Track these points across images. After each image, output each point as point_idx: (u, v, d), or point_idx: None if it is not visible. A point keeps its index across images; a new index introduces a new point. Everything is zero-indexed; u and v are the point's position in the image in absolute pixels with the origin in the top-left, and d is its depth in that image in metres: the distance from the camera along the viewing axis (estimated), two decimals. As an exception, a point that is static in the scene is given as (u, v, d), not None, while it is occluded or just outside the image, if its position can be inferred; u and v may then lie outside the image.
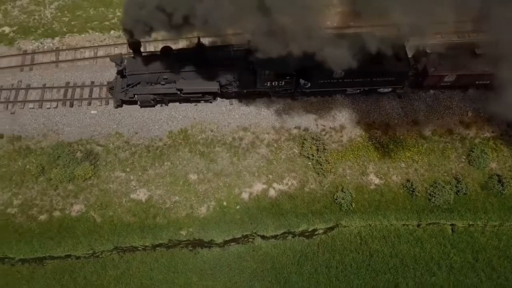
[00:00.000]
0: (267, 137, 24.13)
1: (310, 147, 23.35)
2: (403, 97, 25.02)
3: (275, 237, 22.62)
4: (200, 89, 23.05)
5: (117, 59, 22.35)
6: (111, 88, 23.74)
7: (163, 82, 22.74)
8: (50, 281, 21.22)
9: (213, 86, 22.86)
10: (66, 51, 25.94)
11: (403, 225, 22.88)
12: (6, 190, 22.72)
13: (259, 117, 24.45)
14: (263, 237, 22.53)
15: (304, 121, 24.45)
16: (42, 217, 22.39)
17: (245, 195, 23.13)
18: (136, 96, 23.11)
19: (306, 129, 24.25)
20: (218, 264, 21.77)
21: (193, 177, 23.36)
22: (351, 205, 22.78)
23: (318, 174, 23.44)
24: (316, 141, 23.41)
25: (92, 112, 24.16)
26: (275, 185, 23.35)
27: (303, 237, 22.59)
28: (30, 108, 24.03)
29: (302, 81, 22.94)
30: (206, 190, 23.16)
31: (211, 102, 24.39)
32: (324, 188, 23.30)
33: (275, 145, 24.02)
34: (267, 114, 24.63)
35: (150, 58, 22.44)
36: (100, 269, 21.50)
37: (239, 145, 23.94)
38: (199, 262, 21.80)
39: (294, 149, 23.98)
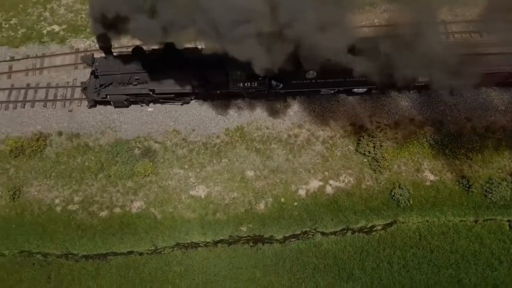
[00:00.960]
0: (322, 134, 24.30)
1: (367, 144, 23.48)
2: (455, 94, 25.18)
3: (334, 233, 22.74)
4: (172, 90, 22.95)
5: (88, 59, 22.20)
6: (84, 88, 23.54)
7: (135, 83, 22.50)
8: (115, 277, 21.33)
9: (185, 87, 22.76)
10: (119, 49, 26.12)
11: (461, 221, 22.97)
12: (66, 187, 22.89)
13: (313, 114, 24.61)
14: (322, 233, 22.64)
15: (359, 118, 24.61)
16: (103, 213, 22.54)
17: (302, 192, 23.27)
18: (108, 96, 22.95)
19: (361, 126, 24.41)
20: (281, 260, 21.88)
21: (250, 173, 23.51)
22: (409, 201, 22.89)
23: (375, 171, 23.57)
24: (372, 138, 23.56)
25: (149, 109, 24.34)
26: (331, 182, 23.49)
27: (362, 233, 22.69)
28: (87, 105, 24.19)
29: (274, 82, 22.77)
30: (263, 186, 23.30)
31: (188, 103, 24.28)
32: (381, 185, 23.43)
33: (330, 142, 24.18)
34: (321, 111, 24.79)
35: (122, 58, 22.19)
36: (164, 265, 21.61)
37: (294, 142, 24.10)
38: (262, 258, 21.91)
39: (349, 146, 24.14)
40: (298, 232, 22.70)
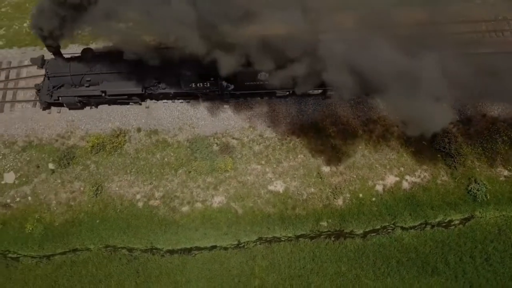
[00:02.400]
0: (396, 130, 24.51)
1: (442, 140, 23.70)
2: (526, 90, 25.35)
3: (413, 227, 22.90)
4: (124, 91, 22.89)
5: (37, 61, 22.18)
6: (38, 90, 23.48)
7: (86, 84, 22.48)
8: (201, 271, 21.54)
9: (137, 88, 22.72)
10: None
11: (538, 215, 23.15)
12: (146, 183, 23.14)
13: (387, 110, 24.84)
14: (402, 228, 22.82)
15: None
16: (184, 208, 22.77)
17: (379, 187, 23.47)
18: (60, 98, 22.93)
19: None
20: (363, 254, 22.07)
21: (326, 169, 23.73)
22: (486, 196, 23.08)
23: (450, 166, 23.76)
24: (447, 133, 23.78)
25: (225, 106, 24.60)
26: (407, 177, 23.69)
27: (441, 228, 22.86)
28: (164, 102, 24.46)
29: (224, 83, 22.83)
30: (339, 182, 23.50)
31: (140, 104, 24.25)
32: (456, 180, 23.62)
33: (404, 137, 24.37)
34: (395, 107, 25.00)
35: (72, 59, 22.21)
36: (249, 259, 21.81)
37: (370, 138, 24.33)
38: (345, 252, 22.10)
39: (423, 142, 24.33)
40: (378, 227, 22.86)
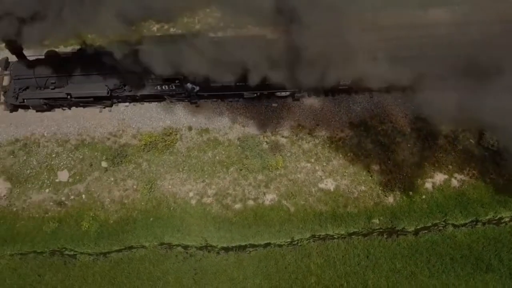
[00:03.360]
0: (444, 129, 24.64)
1: (491, 138, 23.86)
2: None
3: (464, 225, 23.03)
4: (89, 94, 22.79)
5: (1, 63, 22.15)
6: (5, 92, 23.55)
7: (51, 87, 22.35)
8: (256, 268, 21.66)
9: (101, 90, 22.57)
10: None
11: None
12: (199, 181, 23.30)
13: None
14: (453, 225, 22.95)
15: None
16: (237, 206, 22.93)
17: (428, 185, 23.61)
18: (25, 100, 22.87)
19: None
20: (417, 251, 22.18)
21: (375, 167, 23.88)
22: (536, 193, 23.23)
23: (498, 164, 23.91)
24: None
25: (273, 105, 24.78)
26: (456, 175, 23.83)
27: (492, 225, 22.98)
28: (213, 101, 24.64)
29: (189, 85, 22.81)
30: (389, 180, 23.64)
31: (107, 106, 24.25)
32: (505, 177, 23.75)
33: (452, 136, 24.53)
34: (441, 105, 25.15)
35: (37, 62, 22.12)
36: (303, 256, 21.94)
37: (418, 136, 24.48)
38: (398, 249, 22.21)
39: (470, 140, 24.49)
40: (429, 224, 22.98)
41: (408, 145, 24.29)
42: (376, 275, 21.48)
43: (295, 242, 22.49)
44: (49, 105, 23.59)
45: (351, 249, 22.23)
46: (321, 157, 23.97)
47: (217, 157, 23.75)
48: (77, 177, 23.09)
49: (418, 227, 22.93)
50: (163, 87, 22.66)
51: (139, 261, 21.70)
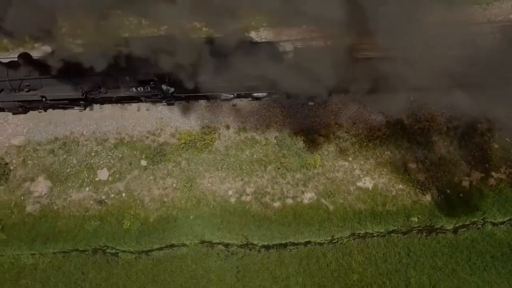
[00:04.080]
0: (480, 127, 24.72)
1: (528, 136, 23.94)
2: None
3: (503, 223, 23.10)
4: (63, 96, 22.49)
5: None
6: None
7: (26, 89, 22.06)
8: (298, 266, 21.77)
9: (76, 93, 22.31)
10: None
11: None
12: (237, 179, 23.40)
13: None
14: (492, 223, 23.01)
15: (514, 111, 25.06)
16: (276, 204, 23.02)
17: (465, 183, 23.68)
18: (0, 103, 22.65)
19: (518, 119, 24.85)
20: (457, 249, 22.25)
21: (412, 166, 23.96)
22: None
23: (535, 162, 23.99)
24: (533, 130, 23.99)
25: (310, 103, 24.86)
26: (493, 173, 23.90)
27: (531, 223, 23.08)
28: (250, 100, 24.74)
29: (164, 87, 22.68)
30: (426, 178, 23.72)
31: (84, 109, 24.06)
32: (542, 176, 23.83)
33: (488, 134, 24.60)
34: (476, 103, 25.23)
35: (11, 64, 21.93)
36: (344, 254, 22.03)
37: (454, 135, 24.55)
38: (438, 247, 22.28)
39: (506, 138, 24.54)
40: (468, 222, 23.05)
41: (445, 144, 24.35)
42: (418, 272, 21.56)
43: (335, 240, 22.57)
44: (25, 107, 23.33)
45: (391, 247, 22.30)
46: (358, 156, 24.05)
47: (255, 156, 23.83)
48: (117, 176, 23.18)
49: (457, 225, 22.99)
50: (139, 88, 22.49)
51: (181, 259, 21.80)
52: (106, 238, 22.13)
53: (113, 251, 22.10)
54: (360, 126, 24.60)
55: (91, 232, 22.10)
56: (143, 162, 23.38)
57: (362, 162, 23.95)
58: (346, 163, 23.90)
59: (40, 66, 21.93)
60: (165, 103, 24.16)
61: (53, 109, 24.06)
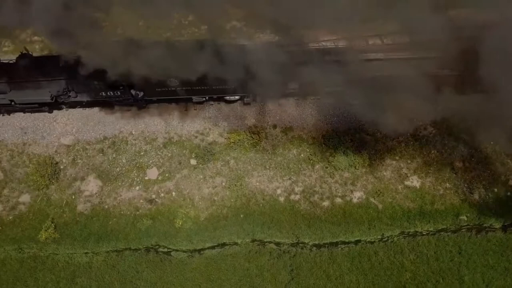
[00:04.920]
0: (525, 126, 24.76)
1: None
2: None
3: (551, 221, 23.18)
4: (32, 100, 22.30)
5: None
6: None
7: None
8: (350, 265, 21.83)
9: (44, 97, 22.05)
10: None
11: None
12: (285, 178, 23.48)
13: (516, 106, 25.12)
14: (541, 222, 23.09)
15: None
16: (325, 203, 23.09)
17: (512, 182, 23.78)
18: None
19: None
20: (508, 247, 22.25)
21: (459, 164, 24.02)
22: None
23: None
24: None
25: (354, 103, 24.88)
26: (540, 172, 23.97)
27: None
28: (295, 99, 24.82)
29: (133, 91, 22.56)
30: (473, 177, 23.78)
31: (51, 112, 23.96)
32: None
33: (534, 133, 24.63)
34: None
35: None
36: (396, 253, 22.06)
37: (500, 134, 24.56)
38: (489, 246, 22.28)
39: (552, 137, 24.59)
40: (516, 220, 23.13)
41: (491, 142, 24.39)
42: (471, 271, 21.60)
43: (385, 239, 22.63)
44: None
45: (442, 246, 22.34)
46: (405, 155, 24.12)
47: (302, 155, 23.92)
48: (166, 175, 23.27)
49: (506, 224, 23.01)
50: (108, 93, 22.37)
51: (234, 258, 21.86)
52: (158, 237, 22.21)
53: (165, 250, 22.18)
54: (406, 125, 24.57)
55: (143, 231, 22.17)
56: (193, 161, 23.46)
57: (409, 161, 24.03)
58: (394, 162, 23.98)
59: (9, 69, 21.69)
60: (137, 107, 24.04)
61: (24, 112, 23.82)
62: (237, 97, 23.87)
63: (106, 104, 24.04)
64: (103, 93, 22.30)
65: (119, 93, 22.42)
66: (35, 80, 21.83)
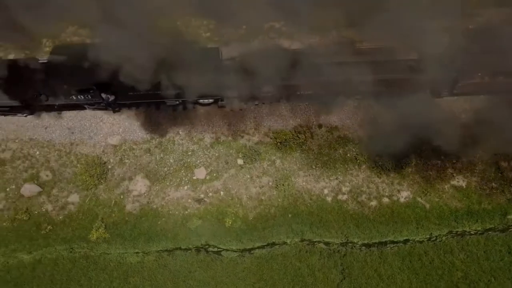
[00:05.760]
0: None
1: None
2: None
3: None
4: (2, 103, 22.19)
5: None
6: None
7: None
8: (400, 264, 21.89)
9: (15, 101, 22.04)
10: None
11: None
12: (332, 178, 23.51)
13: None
14: None
15: None
16: (372, 203, 23.13)
17: (559, 182, 23.74)
18: None
19: None
20: (556, 247, 22.36)
21: (504, 164, 24.05)
22: None
23: None
24: None
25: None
26: None
27: None
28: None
29: (104, 95, 22.47)
30: (517, 177, 23.81)
31: (25, 116, 23.67)
32: None
33: None
34: None
35: None
36: (445, 252, 22.15)
37: (544, 134, 24.59)
38: (539, 245, 22.38)
39: None
40: (561, 220, 23.14)
41: (536, 142, 24.40)
42: (521, 270, 21.62)
43: (434, 238, 22.66)
44: None
45: (491, 245, 22.37)
46: (449, 155, 24.12)
47: (348, 155, 23.95)
48: (214, 175, 23.31)
49: (549, 223, 23.07)
50: (79, 96, 22.32)
51: (284, 257, 21.91)
52: (207, 236, 22.24)
53: (215, 249, 22.20)
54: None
55: (193, 231, 22.20)
56: (240, 161, 23.50)
57: (454, 161, 24.05)
58: (439, 162, 24.02)
59: None
60: (111, 110, 23.89)
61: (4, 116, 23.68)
62: (211, 100, 23.62)
63: (78, 108, 23.63)
64: (73, 96, 22.23)
65: (90, 97, 22.34)
66: (5, 84, 21.60)
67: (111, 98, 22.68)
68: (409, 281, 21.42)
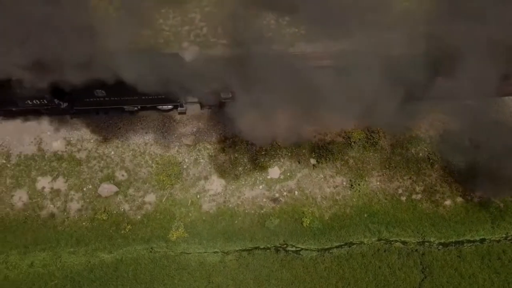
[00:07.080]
0: None
1: None
2: None
3: None
4: None
5: None
6: None
7: None
8: (479, 263, 21.99)
9: None
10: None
11: None
12: (406, 177, 23.52)
13: None
14: None
15: None
16: (447, 202, 23.13)
17: None
18: None
19: None
20: None
21: None
22: None
23: None
24: None
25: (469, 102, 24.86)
26: None
27: None
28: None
29: (56, 101, 21.99)
30: None
31: None
32: None
33: None
34: None
35: None
36: (522, 251, 22.16)
37: None
38: None
39: None
40: None
41: None
42: None
43: (510, 238, 22.65)
44: None
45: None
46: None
47: (421, 154, 23.95)
48: (288, 174, 23.38)
49: None
50: (34, 101, 21.93)
51: (363, 257, 22.01)
52: (285, 235, 22.32)
53: (294, 248, 22.26)
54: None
55: (271, 230, 22.26)
56: (312, 161, 23.55)
57: (506, 161, 23.98)
58: None
59: None
60: (69, 116, 23.64)
61: None
62: (170, 106, 23.32)
63: (35, 113, 23.31)
64: (29, 101, 21.89)
65: (45, 102, 22.00)
66: None
67: (64, 104, 22.33)
68: (490, 280, 21.45)
